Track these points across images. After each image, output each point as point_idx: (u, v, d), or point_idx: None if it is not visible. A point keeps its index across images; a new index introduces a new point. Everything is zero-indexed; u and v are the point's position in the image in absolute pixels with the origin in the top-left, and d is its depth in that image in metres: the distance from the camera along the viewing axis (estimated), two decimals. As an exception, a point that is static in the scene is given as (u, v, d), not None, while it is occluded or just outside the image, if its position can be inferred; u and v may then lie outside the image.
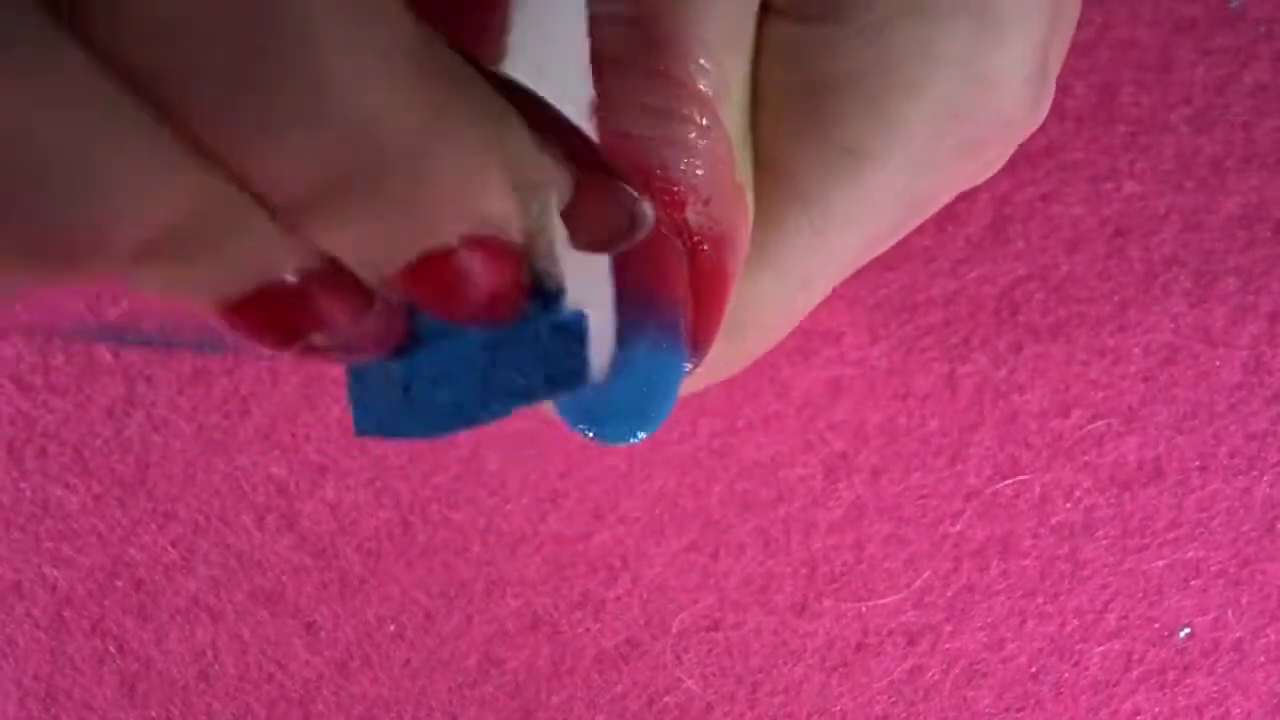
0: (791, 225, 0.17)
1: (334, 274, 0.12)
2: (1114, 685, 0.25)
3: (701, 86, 0.15)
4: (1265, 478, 0.25)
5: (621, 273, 0.15)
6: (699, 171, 0.15)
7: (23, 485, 0.25)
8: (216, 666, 0.25)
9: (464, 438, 0.25)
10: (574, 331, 0.13)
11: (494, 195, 0.12)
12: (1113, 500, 0.25)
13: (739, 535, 0.25)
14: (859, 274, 0.25)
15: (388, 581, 0.25)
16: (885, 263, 0.25)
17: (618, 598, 0.25)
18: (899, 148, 0.16)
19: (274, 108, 0.10)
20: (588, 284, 0.14)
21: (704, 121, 0.15)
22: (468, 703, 0.25)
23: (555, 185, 0.13)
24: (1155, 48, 0.25)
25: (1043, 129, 0.25)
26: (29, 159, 0.09)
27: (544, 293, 0.13)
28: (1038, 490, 0.25)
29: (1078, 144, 0.25)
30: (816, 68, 0.17)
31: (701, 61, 0.16)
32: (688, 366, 0.16)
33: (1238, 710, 0.25)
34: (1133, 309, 0.25)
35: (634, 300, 0.15)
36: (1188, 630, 0.25)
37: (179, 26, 0.09)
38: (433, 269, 0.12)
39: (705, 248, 0.16)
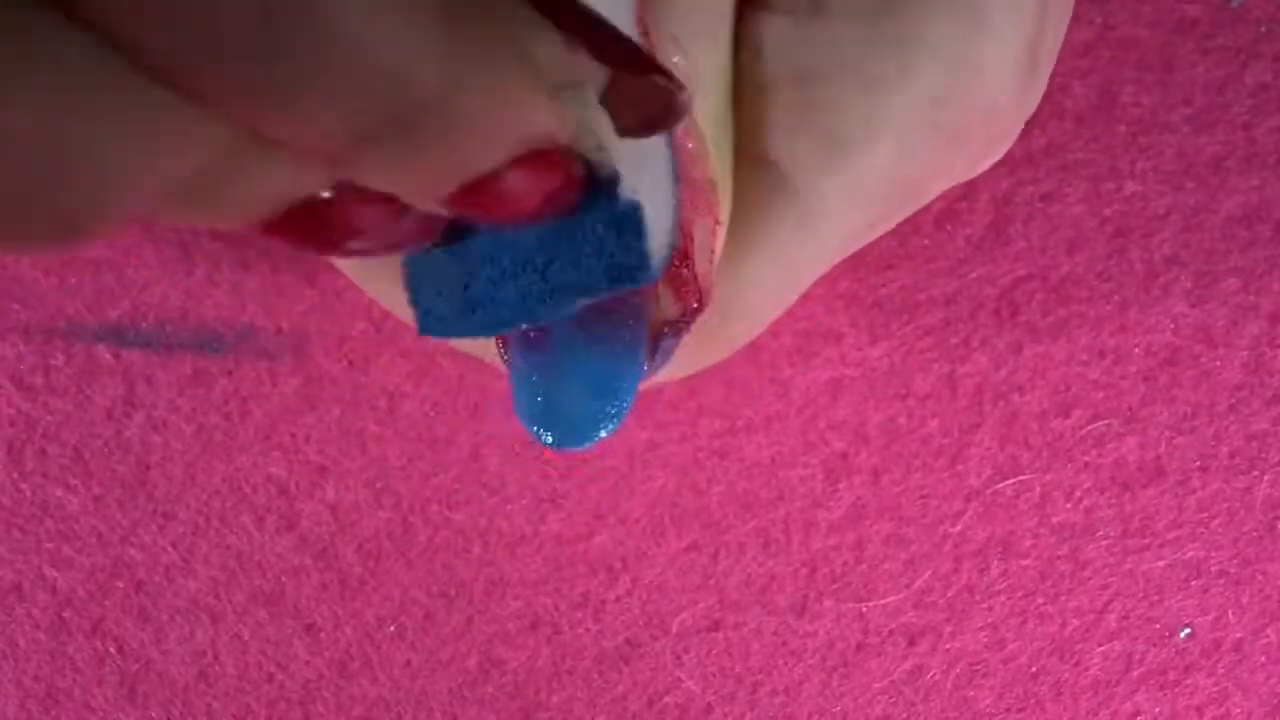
0: (778, 215, 0.17)
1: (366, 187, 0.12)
2: (1114, 685, 0.25)
3: None
4: (1266, 478, 0.25)
5: None
6: None
7: (23, 486, 0.25)
8: (216, 667, 0.25)
9: (464, 438, 0.25)
10: (630, 223, 0.13)
11: (530, 113, 0.12)
12: (1113, 500, 0.25)
13: (739, 535, 0.25)
14: (859, 274, 0.25)
15: (388, 582, 0.25)
16: (885, 262, 0.25)
17: (618, 598, 0.25)
18: (885, 137, 0.16)
19: (296, 76, 0.09)
20: (648, 172, 0.14)
21: None
22: (468, 703, 0.25)
23: (591, 79, 0.13)
24: (1156, 47, 0.25)
25: (1043, 129, 0.25)
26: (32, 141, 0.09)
27: (599, 181, 0.13)
28: (1038, 490, 0.25)
29: (1078, 144, 0.25)
30: (802, 60, 0.17)
31: (674, 58, 0.16)
32: (646, 368, 0.16)
33: (1238, 710, 0.25)
34: (1133, 309, 0.25)
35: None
36: (1188, 630, 0.25)
37: (188, 4, 0.09)
38: (481, 191, 0.12)
39: None
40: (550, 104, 0.12)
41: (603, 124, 0.13)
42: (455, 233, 0.14)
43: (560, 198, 0.13)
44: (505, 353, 0.16)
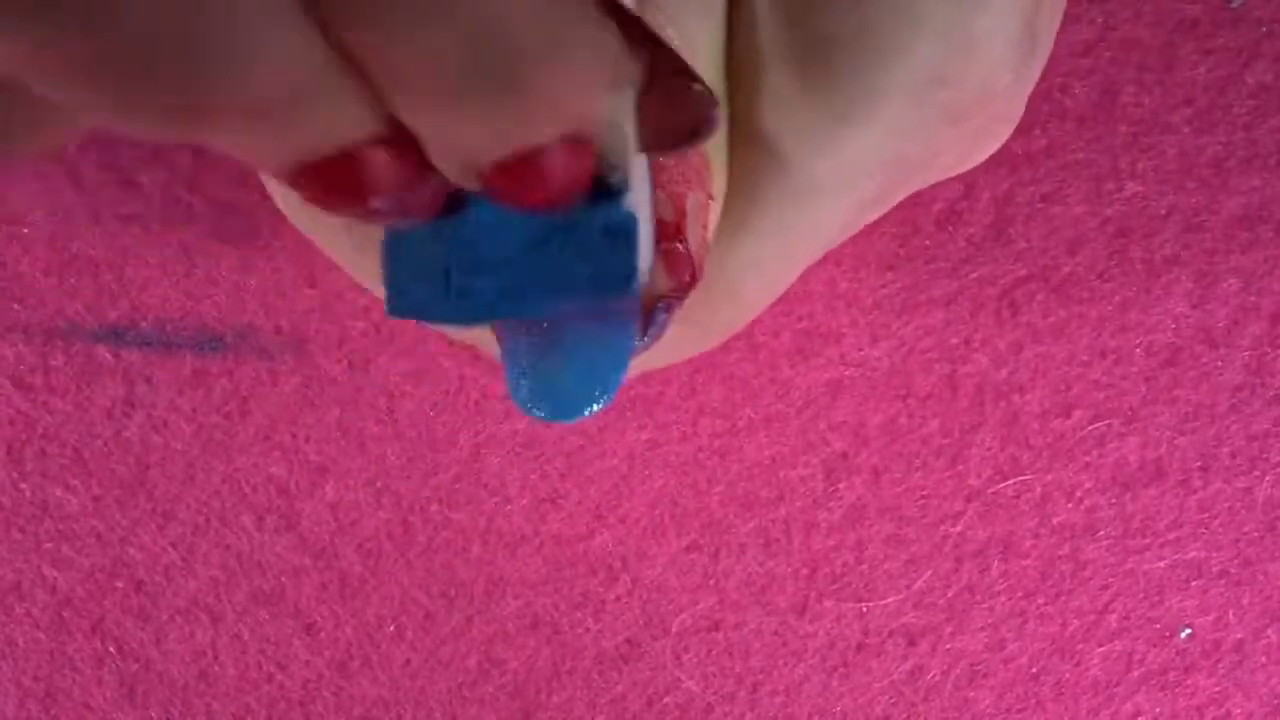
0: (774, 194, 0.17)
1: (405, 144, 0.12)
2: (1115, 686, 0.25)
3: None
4: (1267, 478, 0.25)
5: None
6: None
7: (23, 486, 0.25)
8: (216, 667, 0.25)
9: (464, 438, 0.25)
10: (625, 232, 0.13)
11: (597, 97, 0.12)
12: (1114, 501, 0.25)
13: (739, 535, 0.25)
14: (859, 274, 0.25)
15: (388, 581, 0.25)
16: (886, 263, 0.25)
17: (618, 598, 0.25)
18: (882, 114, 0.16)
19: (410, 6, 0.10)
20: (638, 188, 0.14)
21: None
22: (468, 703, 0.25)
23: (633, 84, 0.13)
24: (1157, 48, 0.25)
25: (1044, 129, 0.25)
26: (174, 25, 0.09)
27: (606, 188, 0.13)
28: (1039, 491, 0.25)
29: (1079, 144, 0.25)
30: (797, 36, 0.16)
31: (667, 30, 0.15)
32: (639, 342, 0.16)
33: (1239, 710, 0.25)
34: (1134, 309, 0.25)
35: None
36: (1189, 631, 0.25)
37: None
38: (523, 167, 0.12)
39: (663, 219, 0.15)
40: (606, 95, 0.12)
41: (629, 130, 0.13)
42: (449, 208, 0.14)
43: (573, 191, 0.13)
44: (496, 327, 0.16)
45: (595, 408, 0.15)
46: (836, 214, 0.17)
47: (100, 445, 0.25)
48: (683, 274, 0.15)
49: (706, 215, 0.16)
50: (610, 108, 0.12)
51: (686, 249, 0.15)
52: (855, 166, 0.17)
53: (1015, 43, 0.17)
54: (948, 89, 0.16)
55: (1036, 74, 0.18)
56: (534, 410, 0.15)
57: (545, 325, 0.15)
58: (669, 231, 0.15)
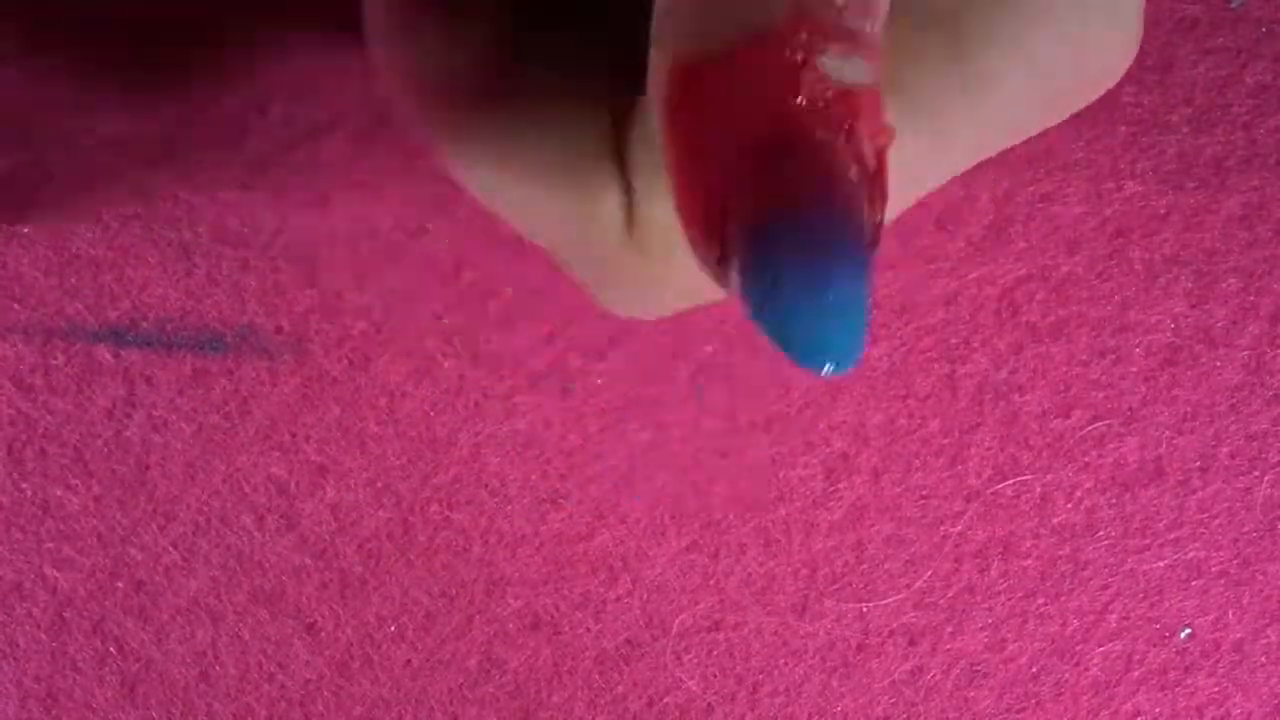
0: (909, 137, 0.17)
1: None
2: (1115, 686, 0.25)
3: None
4: (1266, 478, 0.25)
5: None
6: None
7: (23, 486, 0.25)
8: (217, 667, 0.25)
9: (464, 438, 0.25)
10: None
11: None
12: (1113, 501, 0.25)
13: (739, 535, 0.25)
14: (859, 274, 0.25)
15: (388, 581, 0.25)
16: (886, 262, 0.25)
17: (618, 598, 0.25)
18: (1018, 67, 0.16)
19: None
20: None
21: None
22: (468, 703, 0.25)
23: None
24: (1156, 48, 0.25)
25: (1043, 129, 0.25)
26: None
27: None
28: (1038, 491, 0.25)
29: (1079, 144, 0.25)
30: None
31: None
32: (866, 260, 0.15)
33: (1238, 710, 0.25)
34: (1133, 309, 0.25)
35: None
36: (1188, 631, 0.25)
37: None
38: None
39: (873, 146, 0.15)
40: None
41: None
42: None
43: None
44: (723, 270, 0.15)
45: (857, 354, 0.14)
46: (962, 162, 0.17)
47: (100, 445, 0.25)
48: (878, 227, 0.15)
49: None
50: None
51: (883, 209, 0.15)
52: (989, 120, 0.17)
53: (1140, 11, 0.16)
54: (1083, 57, 0.16)
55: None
56: (809, 364, 0.14)
57: (785, 281, 0.15)
58: (872, 179, 0.14)
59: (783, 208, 0.14)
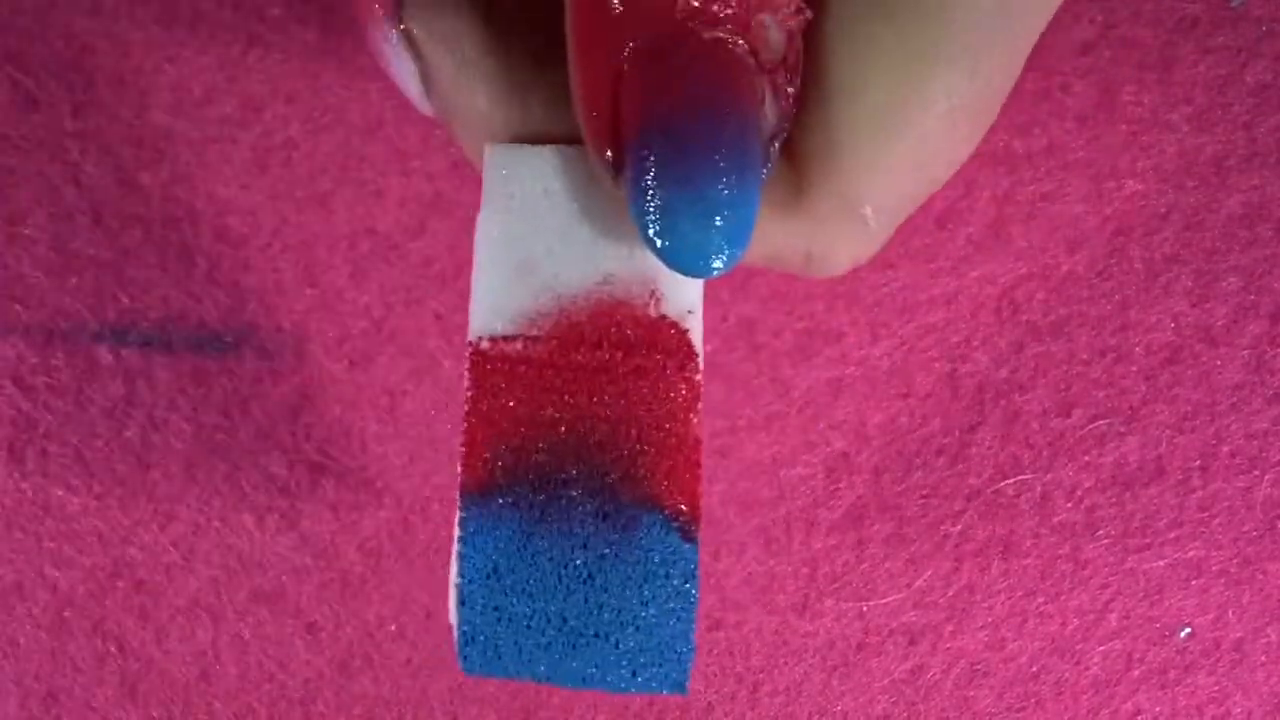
0: (848, 138, 0.16)
1: None
2: (1115, 685, 0.25)
3: None
4: (1266, 477, 0.25)
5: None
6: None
7: (23, 486, 0.25)
8: (217, 666, 0.25)
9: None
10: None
11: None
12: (1114, 500, 0.25)
13: (740, 535, 0.25)
14: (859, 273, 0.25)
15: (388, 581, 0.25)
16: (886, 261, 0.25)
17: (618, 598, 0.25)
18: (960, 52, 0.16)
19: None
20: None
21: None
22: (468, 703, 0.25)
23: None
24: (1156, 47, 0.25)
25: (1044, 128, 0.25)
26: None
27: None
28: (1039, 490, 0.25)
29: (1079, 143, 0.25)
30: None
31: None
32: (763, 174, 0.14)
33: (1238, 710, 0.25)
34: (1134, 308, 0.25)
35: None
36: (1188, 630, 0.25)
37: None
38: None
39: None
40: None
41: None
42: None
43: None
44: (616, 174, 0.15)
45: (736, 253, 0.14)
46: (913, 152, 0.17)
47: (100, 445, 0.25)
48: (789, 109, 0.14)
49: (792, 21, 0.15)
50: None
51: (797, 86, 0.14)
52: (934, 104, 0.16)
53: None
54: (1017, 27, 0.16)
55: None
56: (672, 258, 0.14)
57: (670, 172, 0.14)
58: (779, 65, 0.14)
59: (664, 112, 0.13)
